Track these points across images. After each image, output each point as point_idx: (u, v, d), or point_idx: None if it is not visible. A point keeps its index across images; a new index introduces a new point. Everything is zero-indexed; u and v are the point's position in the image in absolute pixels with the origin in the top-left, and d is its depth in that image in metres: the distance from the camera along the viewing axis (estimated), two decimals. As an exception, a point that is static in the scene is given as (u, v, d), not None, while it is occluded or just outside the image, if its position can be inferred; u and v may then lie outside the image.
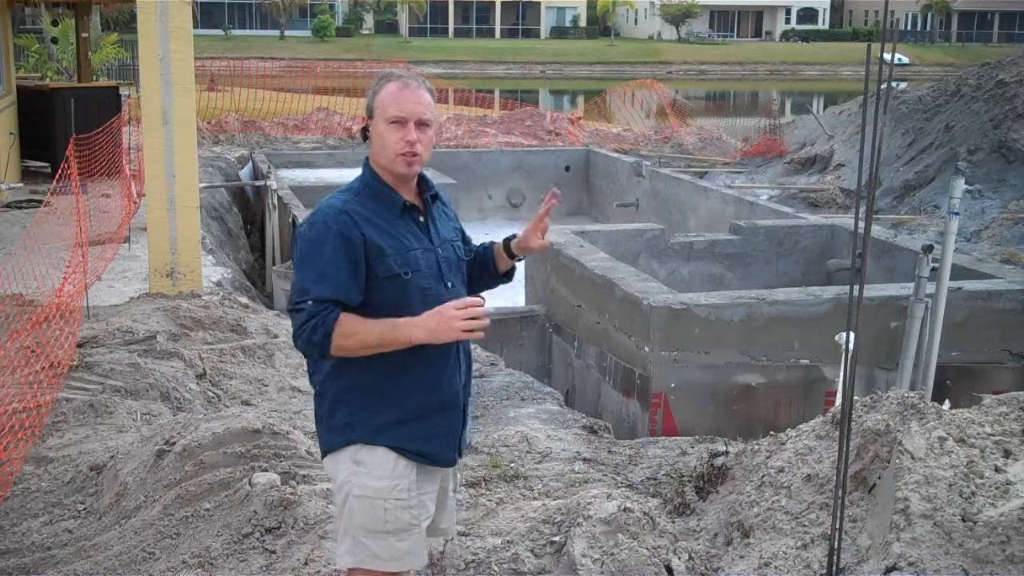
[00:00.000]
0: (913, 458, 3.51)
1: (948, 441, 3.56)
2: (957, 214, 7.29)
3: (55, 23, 22.17)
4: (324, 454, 2.98)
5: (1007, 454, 3.58)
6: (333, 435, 2.92)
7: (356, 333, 2.74)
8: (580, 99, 44.30)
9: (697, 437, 6.28)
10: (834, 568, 3.17)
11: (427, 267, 2.88)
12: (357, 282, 2.79)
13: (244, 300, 8.79)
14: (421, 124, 2.84)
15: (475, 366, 7.22)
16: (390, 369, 2.85)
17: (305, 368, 7.31)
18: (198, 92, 12.65)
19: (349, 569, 2.96)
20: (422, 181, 2.99)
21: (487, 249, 3.19)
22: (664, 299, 7.62)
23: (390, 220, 2.85)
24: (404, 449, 2.87)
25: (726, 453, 4.46)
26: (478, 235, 3.35)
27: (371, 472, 2.86)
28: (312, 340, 2.74)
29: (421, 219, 2.92)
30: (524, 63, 66.98)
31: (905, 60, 60.81)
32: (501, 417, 6.36)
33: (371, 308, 2.80)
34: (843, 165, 18.20)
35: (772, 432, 4.43)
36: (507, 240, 3.15)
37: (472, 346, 3.14)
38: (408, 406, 2.88)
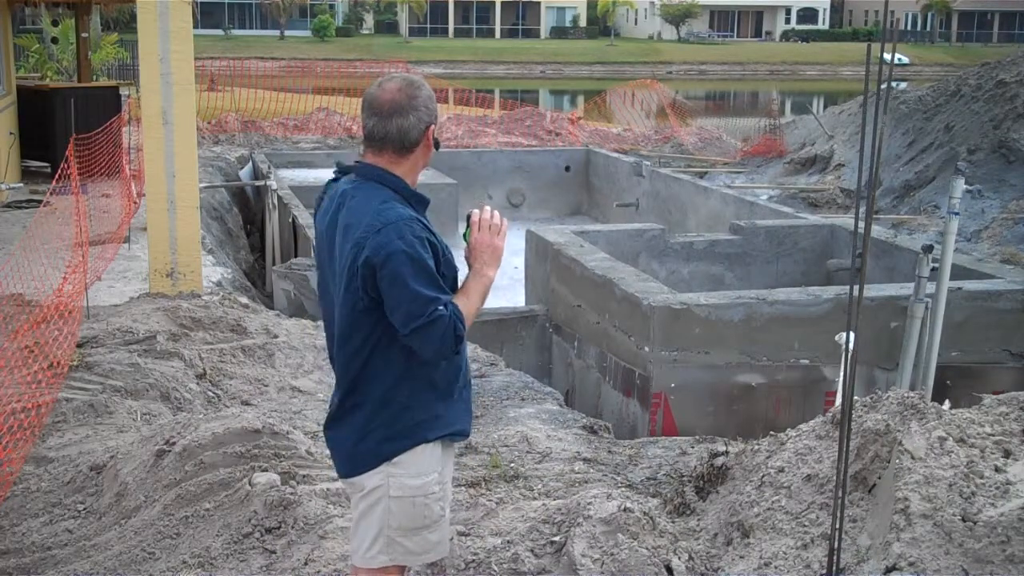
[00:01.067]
0: (913, 458, 3.51)
1: (948, 441, 3.56)
2: (957, 214, 7.28)
3: (55, 23, 22.18)
4: (378, 464, 2.94)
5: (1007, 454, 3.58)
6: (397, 442, 2.93)
7: (469, 313, 2.90)
8: (580, 99, 44.30)
9: (697, 437, 6.28)
10: (834, 568, 3.17)
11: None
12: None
13: (244, 300, 8.79)
14: None
15: (475, 366, 7.22)
16: (441, 375, 2.99)
17: (305, 368, 7.26)
18: (198, 92, 12.65)
19: (373, 569, 2.98)
20: None
21: None
22: (664, 299, 7.62)
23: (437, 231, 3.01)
24: (450, 435, 2.98)
25: (726, 453, 4.46)
26: None
27: (408, 471, 2.91)
28: (458, 335, 2.84)
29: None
30: (524, 63, 66.99)
31: (905, 60, 60.81)
32: (501, 417, 6.35)
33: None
34: (843, 165, 18.20)
35: (772, 432, 4.43)
36: None
37: (470, 347, 3.29)
38: (450, 390, 2.98)
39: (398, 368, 2.90)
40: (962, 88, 17.77)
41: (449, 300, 2.85)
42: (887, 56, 2.92)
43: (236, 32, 72.74)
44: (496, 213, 3.05)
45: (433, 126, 2.90)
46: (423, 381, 2.94)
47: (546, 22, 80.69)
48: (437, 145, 2.96)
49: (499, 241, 2.99)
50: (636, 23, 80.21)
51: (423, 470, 2.92)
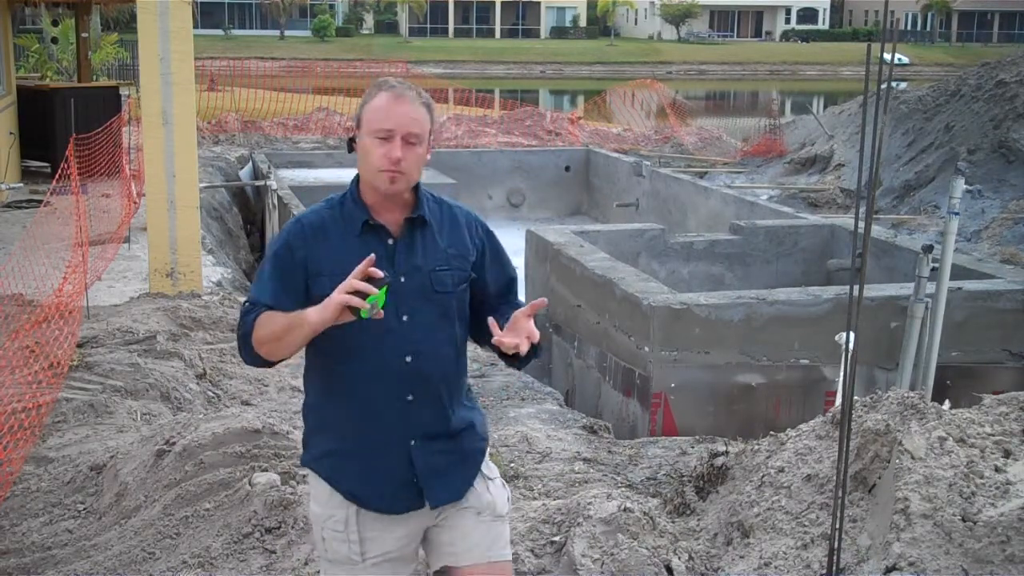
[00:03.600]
0: (913, 458, 3.51)
1: (948, 441, 3.56)
2: (957, 214, 7.29)
3: (55, 23, 22.16)
4: None
5: (1007, 454, 3.58)
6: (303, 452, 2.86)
7: (267, 326, 2.57)
8: (580, 99, 44.30)
9: (697, 437, 6.28)
10: (834, 568, 3.16)
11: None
12: (290, 295, 2.61)
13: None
14: (409, 140, 2.60)
15: (475, 366, 7.21)
16: (328, 389, 2.71)
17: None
18: (198, 92, 12.65)
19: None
20: (418, 201, 2.73)
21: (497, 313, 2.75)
22: (664, 299, 7.62)
23: (348, 238, 2.64)
24: (335, 483, 2.70)
25: (726, 453, 4.46)
26: None
27: (314, 496, 2.77)
28: (239, 334, 2.65)
29: (389, 241, 2.66)
30: (524, 63, 66.98)
31: (905, 60, 60.79)
32: (501, 417, 6.36)
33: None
34: (843, 165, 18.21)
35: (772, 432, 4.43)
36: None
37: (460, 371, 2.78)
38: (342, 437, 2.69)
39: (306, 378, 2.81)
40: (962, 88, 17.78)
41: (264, 305, 2.60)
42: (887, 56, 2.92)
43: (236, 32, 72.73)
44: (366, 288, 2.48)
45: (357, 130, 2.66)
46: (311, 405, 2.77)
47: (546, 22, 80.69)
48: (350, 148, 2.69)
49: (335, 296, 2.46)
50: (636, 23, 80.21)
51: (321, 501, 2.75)
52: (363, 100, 2.68)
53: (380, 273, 2.46)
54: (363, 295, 2.43)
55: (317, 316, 2.48)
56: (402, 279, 2.63)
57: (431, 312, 2.68)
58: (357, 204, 2.68)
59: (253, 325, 2.60)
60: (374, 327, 2.53)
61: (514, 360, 2.68)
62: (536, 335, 2.61)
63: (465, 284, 2.74)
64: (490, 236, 2.84)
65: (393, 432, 2.66)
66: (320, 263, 2.63)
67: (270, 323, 2.57)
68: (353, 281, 2.43)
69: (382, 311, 2.45)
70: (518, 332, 2.59)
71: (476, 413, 2.85)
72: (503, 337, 2.58)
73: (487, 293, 2.81)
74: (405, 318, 2.64)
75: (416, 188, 2.72)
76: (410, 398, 2.65)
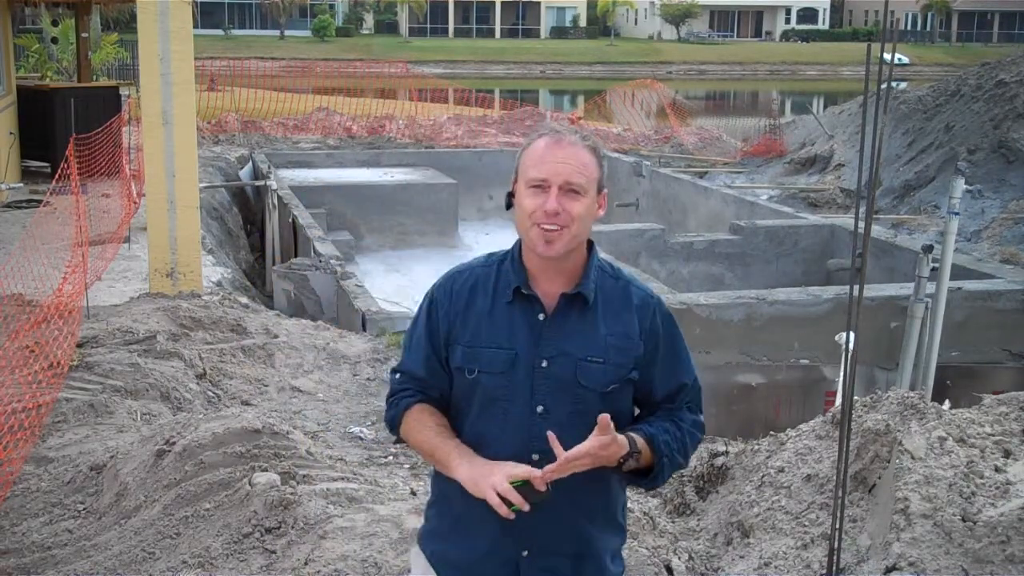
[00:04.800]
0: (913, 458, 3.51)
1: (948, 441, 3.56)
2: (957, 214, 7.29)
3: (55, 23, 22.15)
4: None
5: (1007, 454, 3.58)
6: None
7: (415, 434, 2.34)
8: (580, 99, 44.30)
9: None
10: (834, 568, 3.16)
11: (505, 373, 2.28)
12: (432, 361, 2.36)
13: (244, 300, 8.79)
14: (569, 190, 2.23)
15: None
16: (458, 495, 2.31)
17: (305, 368, 7.28)
18: (198, 92, 12.65)
19: None
20: (585, 272, 2.32)
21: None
22: (664, 299, 7.62)
23: (495, 305, 2.31)
24: (437, 571, 2.42)
25: (726, 453, 4.46)
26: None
27: (413, 567, 2.52)
28: (386, 417, 2.45)
29: (540, 316, 2.29)
30: (524, 63, 66.96)
31: (905, 60, 60.78)
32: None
33: (453, 398, 2.37)
34: (843, 165, 18.21)
35: (772, 432, 4.43)
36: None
37: (601, 484, 2.33)
38: (453, 524, 2.39)
39: None
40: (962, 88, 17.78)
41: (415, 378, 2.37)
42: (887, 56, 2.92)
43: (236, 32, 72.70)
44: (520, 501, 2.18)
45: (515, 184, 2.34)
46: (443, 499, 2.44)
47: (546, 22, 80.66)
48: (508, 204, 2.36)
49: (488, 486, 2.17)
50: (636, 23, 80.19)
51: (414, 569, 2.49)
52: (520, 149, 2.36)
53: (541, 487, 2.14)
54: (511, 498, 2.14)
55: (463, 476, 2.22)
56: (544, 363, 2.27)
57: (570, 407, 2.28)
58: (515, 266, 2.33)
59: (403, 417, 2.37)
60: (502, 418, 2.26)
61: (636, 475, 2.31)
62: (606, 453, 2.18)
63: (619, 384, 2.31)
64: (670, 328, 2.41)
65: (505, 536, 2.29)
66: (459, 329, 2.32)
67: (419, 432, 2.33)
68: (504, 484, 2.14)
69: (526, 503, 2.15)
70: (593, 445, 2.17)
71: (615, 538, 2.43)
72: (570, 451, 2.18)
73: (649, 397, 2.39)
74: (540, 409, 2.27)
75: (589, 255, 2.34)
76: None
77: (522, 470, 2.17)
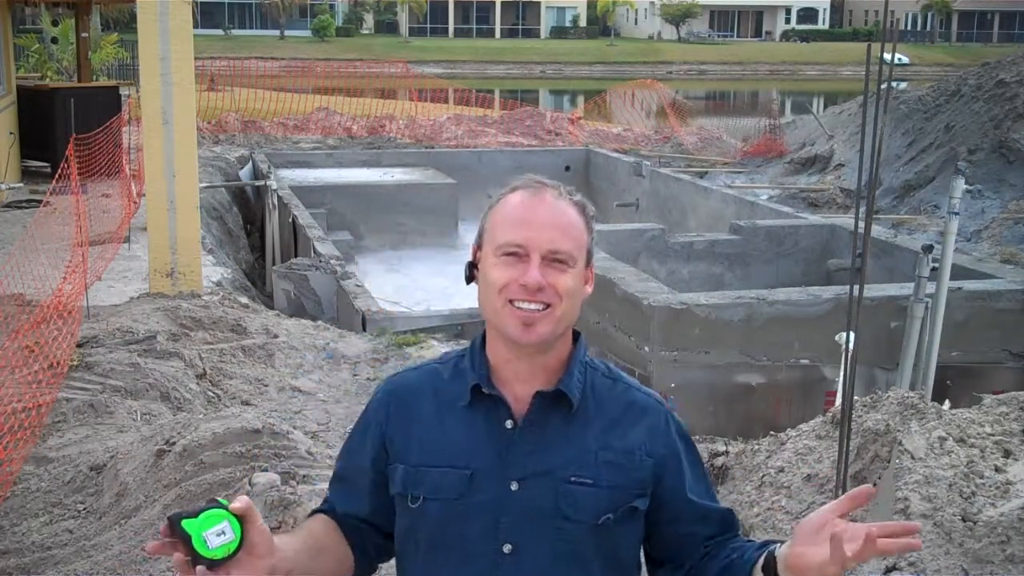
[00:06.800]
0: (913, 458, 3.51)
1: (948, 441, 3.56)
2: (957, 214, 7.29)
3: (55, 23, 22.16)
4: None
5: (1007, 454, 3.58)
6: None
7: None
8: (580, 99, 44.29)
9: (697, 437, 6.28)
10: (834, 568, 3.16)
11: (460, 500, 1.73)
12: (355, 497, 1.87)
13: (244, 300, 8.79)
14: (555, 259, 1.71)
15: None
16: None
17: (305, 368, 7.28)
18: (198, 92, 12.65)
19: None
20: (569, 366, 1.79)
21: (733, 564, 1.75)
22: (664, 299, 7.62)
23: (447, 410, 1.78)
24: None
25: (726, 453, 4.46)
26: None
27: None
28: None
29: (507, 424, 1.74)
30: (524, 63, 66.95)
31: (905, 60, 60.78)
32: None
33: (396, 537, 1.84)
34: (843, 165, 18.21)
35: (772, 432, 4.43)
36: (769, 552, 1.68)
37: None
38: None
39: None
40: (962, 88, 17.78)
41: (329, 500, 1.91)
42: (887, 56, 2.92)
43: (236, 32, 72.70)
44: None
45: (478, 252, 1.80)
46: None
47: (546, 22, 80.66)
48: (469, 277, 1.80)
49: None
50: (636, 23, 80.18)
51: None
52: (487, 207, 1.81)
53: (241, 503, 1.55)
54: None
55: None
56: (513, 486, 1.71)
57: (549, 546, 1.71)
58: (475, 360, 1.79)
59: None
60: (455, 556, 1.71)
61: None
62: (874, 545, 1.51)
63: (615, 515, 1.73)
64: (687, 444, 1.83)
65: None
66: (396, 446, 1.79)
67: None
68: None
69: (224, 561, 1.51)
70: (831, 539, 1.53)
71: None
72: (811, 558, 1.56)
73: (677, 539, 1.81)
74: (507, 549, 1.71)
75: (574, 344, 1.82)
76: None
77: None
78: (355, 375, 7.09)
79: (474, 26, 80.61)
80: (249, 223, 15.05)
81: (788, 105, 43.79)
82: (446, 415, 1.77)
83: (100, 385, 6.07)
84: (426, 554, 1.75)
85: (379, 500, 1.82)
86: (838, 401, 5.26)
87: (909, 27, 78.54)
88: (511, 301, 1.69)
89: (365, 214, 14.94)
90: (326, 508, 1.90)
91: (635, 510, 1.75)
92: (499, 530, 1.70)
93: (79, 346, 6.62)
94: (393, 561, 1.88)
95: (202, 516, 1.50)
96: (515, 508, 1.70)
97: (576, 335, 1.83)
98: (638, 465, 1.74)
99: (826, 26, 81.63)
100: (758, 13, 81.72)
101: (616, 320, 8.04)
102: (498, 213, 1.75)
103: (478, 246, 1.79)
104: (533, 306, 1.69)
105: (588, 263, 1.78)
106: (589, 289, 1.80)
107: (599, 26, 78.11)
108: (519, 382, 1.75)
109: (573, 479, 1.71)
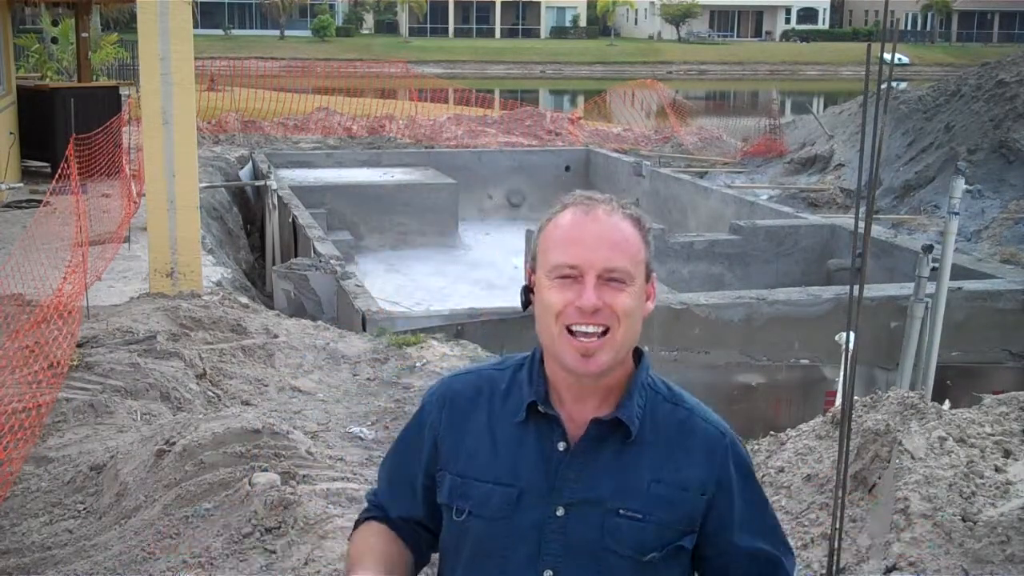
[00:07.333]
0: (913, 458, 3.51)
1: (948, 441, 3.56)
2: (957, 214, 7.29)
3: (55, 23, 22.17)
4: None
5: (1007, 454, 3.58)
6: None
7: (351, 548, 1.86)
8: (580, 99, 44.30)
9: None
10: (834, 568, 3.16)
11: (505, 520, 1.70)
12: (405, 496, 1.84)
13: (244, 300, 8.79)
14: (611, 278, 1.66)
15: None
16: None
17: (304, 368, 7.28)
18: (198, 92, 12.65)
19: None
20: (628, 391, 1.74)
21: None
22: (664, 299, 7.62)
23: (500, 424, 1.74)
24: None
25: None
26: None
27: None
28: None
29: (560, 446, 1.70)
30: (524, 63, 66.97)
31: (905, 60, 60.79)
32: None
33: (441, 540, 1.83)
34: (843, 165, 18.21)
35: (772, 432, 4.43)
36: None
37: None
38: None
39: None
40: (962, 88, 17.78)
41: (377, 505, 1.88)
42: (887, 56, 2.92)
43: (236, 32, 72.72)
44: None
45: (533, 274, 1.75)
46: None
47: (546, 22, 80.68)
48: (525, 302, 1.77)
49: None
50: (636, 23, 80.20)
51: None
52: (537, 228, 1.77)
53: None
54: None
55: None
56: (559, 511, 1.68)
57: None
58: (534, 375, 1.75)
59: (353, 533, 1.89)
60: (496, 572, 1.70)
61: None
62: None
63: (660, 553, 1.69)
64: (746, 479, 1.75)
65: None
66: (449, 451, 1.76)
67: (352, 547, 1.84)
68: None
69: None
70: None
71: None
72: None
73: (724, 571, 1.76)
74: (548, 575, 1.68)
75: (637, 363, 1.77)
76: None
77: None
78: (355, 375, 7.09)
79: (474, 26, 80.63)
80: (249, 223, 15.05)
81: (788, 105, 43.80)
82: (498, 428, 1.73)
83: (100, 385, 6.07)
84: (467, 564, 1.74)
85: (434, 502, 1.80)
86: (838, 401, 5.26)
87: (909, 27, 78.56)
88: (568, 328, 1.65)
89: (365, 214, 14.95)
90: (378, 515, 1.87)
91: (681, 548, 1.70)
92: (541, 555, 1.67)
93: (79, 346, 6.62)
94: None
95: None
96: (559, 535, 1.67)
97: (639, 354, 1.77)
98: (689, 502, 1.69)
99: (826, 26, 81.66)
100: (758, 13, 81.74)
101: (616, 320, 8.04)
102: (549, 234, 1.70)
103: (532, 269, 1.74)
104: (591, 329, 1.64)
105: (648, 278, 1.73)
106: (651, 306, 1.75)
107: (599, 26, 78.14)
108: (576, 402, 1.71)
109: (621, 511, 1.67)
